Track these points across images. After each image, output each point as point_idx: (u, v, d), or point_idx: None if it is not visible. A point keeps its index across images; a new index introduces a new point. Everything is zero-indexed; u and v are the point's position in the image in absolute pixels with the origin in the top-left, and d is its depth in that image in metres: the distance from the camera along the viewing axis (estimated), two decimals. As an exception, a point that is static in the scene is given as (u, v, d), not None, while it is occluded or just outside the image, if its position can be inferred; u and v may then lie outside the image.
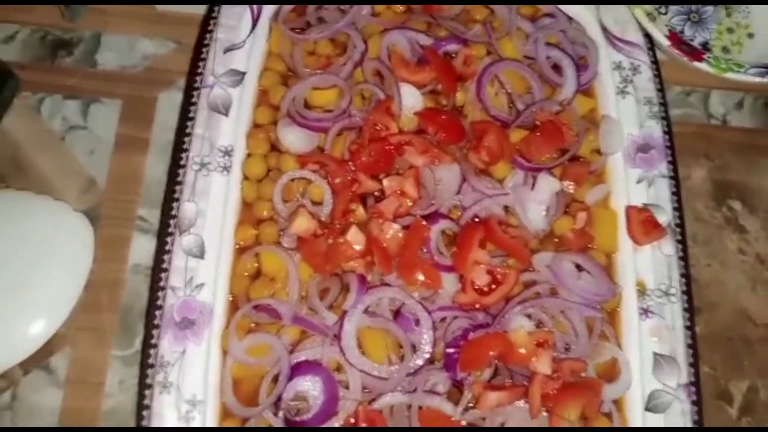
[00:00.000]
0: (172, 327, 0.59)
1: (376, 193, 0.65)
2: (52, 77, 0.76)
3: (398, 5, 0.74)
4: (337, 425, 0.57)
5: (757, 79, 0.70)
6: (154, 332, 0.59)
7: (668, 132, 0.68)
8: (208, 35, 0.70)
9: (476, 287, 0.61)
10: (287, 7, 0.72)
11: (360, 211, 0.63)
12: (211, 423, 0.57)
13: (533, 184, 0.65)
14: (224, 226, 0.63)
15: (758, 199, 0.74)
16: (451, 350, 0.59)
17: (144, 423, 0.56)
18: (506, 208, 0.66)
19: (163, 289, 0.60)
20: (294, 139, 0.66)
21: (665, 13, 0.82)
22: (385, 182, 0.64)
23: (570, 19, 0.74)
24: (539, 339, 0.58)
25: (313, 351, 0.58)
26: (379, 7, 0.73)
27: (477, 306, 0.61)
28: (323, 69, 0.69)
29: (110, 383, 0.64)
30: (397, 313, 0.60)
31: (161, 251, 0.62)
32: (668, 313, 0.61)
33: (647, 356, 0.60)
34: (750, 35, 0.80)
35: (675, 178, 0.67)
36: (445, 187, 0.65)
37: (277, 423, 0.56)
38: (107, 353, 0.65)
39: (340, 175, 0.64)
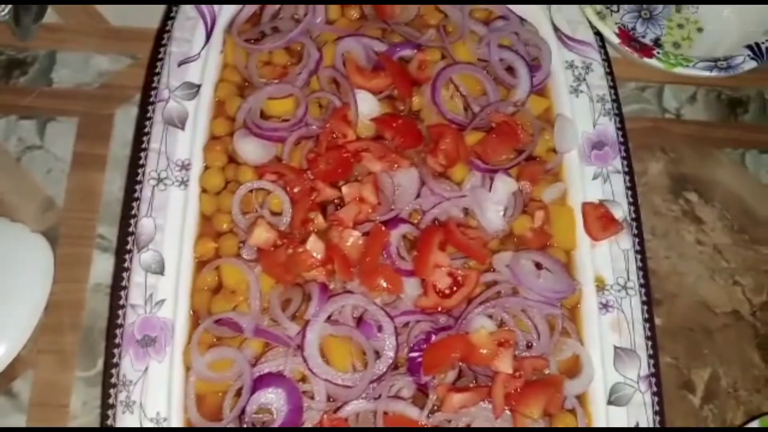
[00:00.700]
0: (133, 345, 0.58)
1: (335, 201, 0.65)
2: (6, 98, 0.75)
3: (352, 12, 0.74)
4: (303, 435, 0.57)
5: (705, 73, 0.72)
6: (116, 351, 0.58)
7: (621, 128, 0.69)
8: (161, 49, 0.69)
9: (438, 290, 0.61)
10: (241, 18, 0.72)
11: (320, 219, 0.63)
12: (175, 440, 0.56)
13: (491, 185, 0.66)
14: (183, 241, 0.63)
15: (713, 191, 0.76)
16: (414, 354, 0.59)
17: (107, 443, 0.55)
18: (465, 210, 0.66)
19: (122, 307, 0.59)
20: (251, 150, 0.66)
21: (617, 11, 0.83)
22: (344, 189, 0.64)
23: (522, 20, 0.75)
24: (501, 339, 0.59)
25: (276, 362, 0.58)
26: (334, 15, 0.74)
27: (439, 309, 0.61)
28: (279, 78, 0.69)
29: (74, 405, 0.64)
30: (359, 320, 0.60)
31: (120, 269, 0.61)
32: (627, 307, 0.62)
33: (608, 350, 0.61)
34: (699, 30, 0.82)
35: (629, 173, 0.68)
36: (404, 192, 0.65)
37: (243, 436, 0.56)
38: (70, 375, 0.65)
39: (299, 184, 0.64)
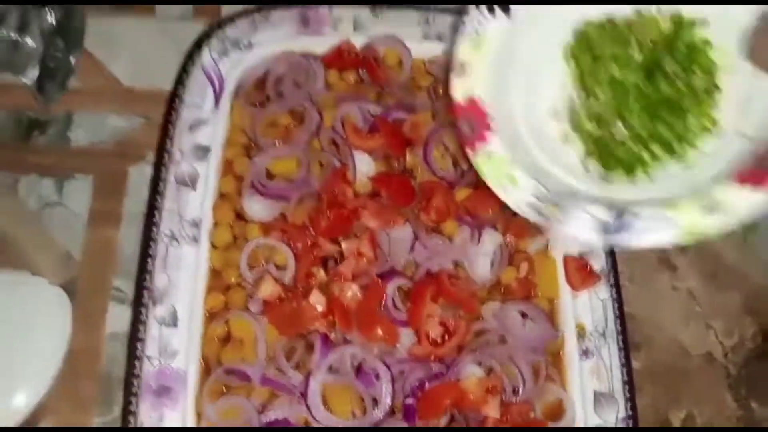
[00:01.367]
0: (149, 394, 0.63)
1: (335, 256, 0.70)
2: (27, 157, 0.80)
3: (350, 77, 0.80)
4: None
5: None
6: (133, 400, 0.63)
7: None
8: (173, 113, 0.75)
9: (431, 339, 0.66)
10: (248, 84, 0.78)
11: (321, 273, 0.68)
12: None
13: (479, 239, 0.71)
14: (195, 294, 0.68)
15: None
16: (409, 401, 0.64)
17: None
18: (455, 262, 0.71)
19: (139, 358, 0.64)
20: (258, 208, 0.71)
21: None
22: (344, 245, 0.69)
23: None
24: (489, 385, 0.64)
25: (281, 410, 0.63)
26: (332, 79, 0.80)
27: (432, 357, 0.66)
28: (283, 139, 0.75)
29: (93, 450, 0.68)
30: (358, 369, 0.65)
31: (137, 322, 0.66)
32: (606, 353, 0.67)
33: (588, 394, 0.66)
34: None
35: (608, 226, 0.73)
36: (399, 246, 0.71)
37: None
38: (88, 421, 0.69)
39: (302, 240, 0.70)
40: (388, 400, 0.63)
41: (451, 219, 0.72)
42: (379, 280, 0.68)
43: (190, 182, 0.72)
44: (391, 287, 0.68)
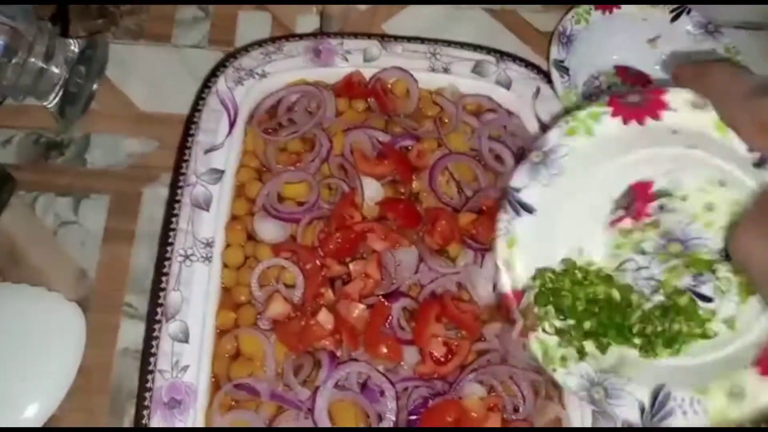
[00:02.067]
0: (161, 407, 0.65)
1: (342, 276, 0.73)
2: (45, 177, 0.83)
3: (359, 105, 0.83)
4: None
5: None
6: (145, 413, 0.65)
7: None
8: (189, 138, 0.78)
9: (434, 358, 0.69)
10: (261, 111, 0.81)
11: (329, 293, 0.71)
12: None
13: (482, 262, 0.74)
14: (206, 312, 0.70)
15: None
16: (413, 417, 0.66)
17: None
18: (459, 284, 0.74)
19: (152, 372, 0.66)
20: (269, 230, 0.74)
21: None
22: (352, 266, 0.72)
23: (510, 113, 0.85)
24: (490, 403, 0.66)
25: (288, 424, 0.65)
26: (342, 107, 0.83)
27: (435, 375, 0.68)
28: (294, 165, 0.78)
29: (102, 462, 0.69)
30: (363, 385, 0.67)
31: (149, 337, 0.68)
32: (603, 374, 0.69)
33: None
34: None
35: (605, 250, 0.76)
36: (405, 268, 0.73)
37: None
38: (99, 433, 0.71)
39: (311, 261, 0.72)
40: (393, 417, 0.65)
41: (455, 242, 0.75)
42: (385, 301, 0.70)
43: (204, 204, 0.75)
44: (396, 307, 0.70)
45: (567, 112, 0.74)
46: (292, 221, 0.75)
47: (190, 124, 0.79)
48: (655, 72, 0.90)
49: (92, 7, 0.92)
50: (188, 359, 0.67)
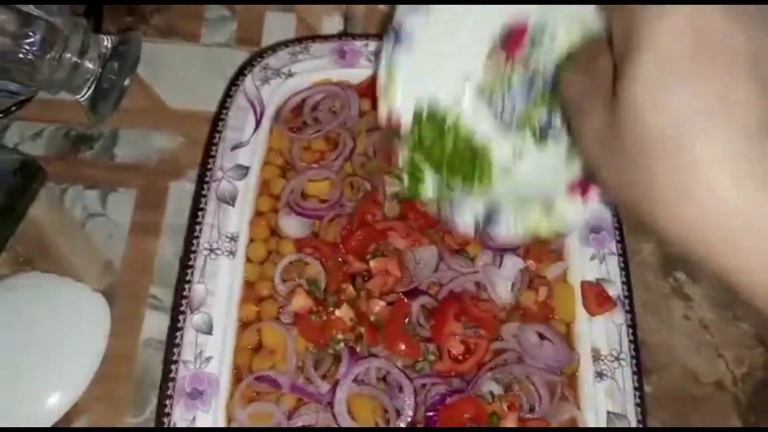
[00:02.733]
0: (183, 397, 0.66)
1: (363, 273, 0.74)
2: (74, 170, 0.85)
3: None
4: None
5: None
6: (168, 402, 0.66)
7: (616, 215, 0.79)
8: (217, 134, 0.80)
9: (452, 356, 0.70)
10: (286, 109, 0.83)
11: (350, 289, 0.72)
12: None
13: (500, 263, 0.75)
14: (230, 305, 0.72)
15: (700, 270, 0.84)
16: (430, 414, 0.67)
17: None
18: (478, 284, 0.75)
19: (175, 362, 0.68)
20: (292, 225, 0.76)
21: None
22: (372, 263, 0.73)
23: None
24: (507, 402, 0.67)
25: (308, 417, 0.66)
26: (366, 107, 0.84)
27: (453, 373, 0.69)
28: (317, 163, 0.80)
29: (125, 449, 0.71)
30: (382, 381, 0.68)
31: (174, 328, 0.70)
32: (619, 376, 0.70)
33: (602, 414, 0.68)
34: None
35: (623, 255, 0.77)
36: (424, 266, 0.74)
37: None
38: (122, 421, 0.72)
39: (333, 257, 0.74)
40: (411, 412, 0.66)
41: (474, 243, 0.76)
42: (405, 298, 0.71)
43: (229, 199, 0.76)
44: (416, 305, 0.71)
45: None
46: (315, 218, 0.76)
47: (217, 121, 0.81)
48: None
49: (122, 5, 0.94)
50: (211, 350, 0.69)
